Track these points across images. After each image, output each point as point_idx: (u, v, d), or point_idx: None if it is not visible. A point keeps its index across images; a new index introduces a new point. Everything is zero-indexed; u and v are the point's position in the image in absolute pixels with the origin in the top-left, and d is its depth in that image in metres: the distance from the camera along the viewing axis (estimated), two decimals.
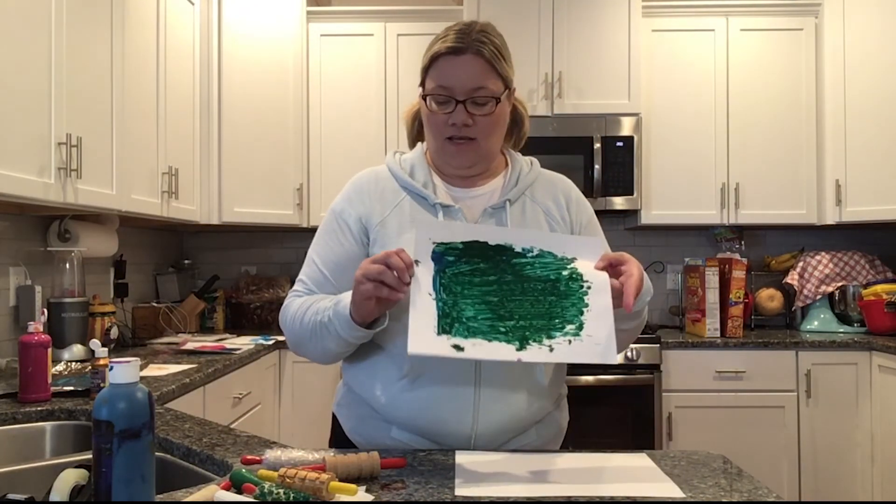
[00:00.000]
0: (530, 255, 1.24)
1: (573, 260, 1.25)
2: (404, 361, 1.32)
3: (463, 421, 1.32)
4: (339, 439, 1.46)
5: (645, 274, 1.30)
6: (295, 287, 1.44)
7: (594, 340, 1.17)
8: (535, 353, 1.16)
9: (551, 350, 1.16)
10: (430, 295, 1.17)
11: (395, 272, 1.15)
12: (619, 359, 3.19)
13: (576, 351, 1.16)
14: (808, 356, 3.25)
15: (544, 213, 1.44)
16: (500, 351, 1.14)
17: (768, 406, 3.24)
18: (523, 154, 1.54)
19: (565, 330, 1.18)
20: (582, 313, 1.20)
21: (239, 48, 3.44)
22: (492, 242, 1.24)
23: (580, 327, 1.18)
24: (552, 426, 1.45)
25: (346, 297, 1.26)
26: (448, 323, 1.15)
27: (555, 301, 1.20)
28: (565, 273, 1.24)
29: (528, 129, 1.53)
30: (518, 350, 1.15)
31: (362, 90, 3.68)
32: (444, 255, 1.21)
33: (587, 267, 1.25)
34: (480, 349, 1.14)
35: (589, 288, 1.22)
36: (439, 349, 1.12)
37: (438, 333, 1.13)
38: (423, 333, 1.13)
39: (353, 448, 1.37)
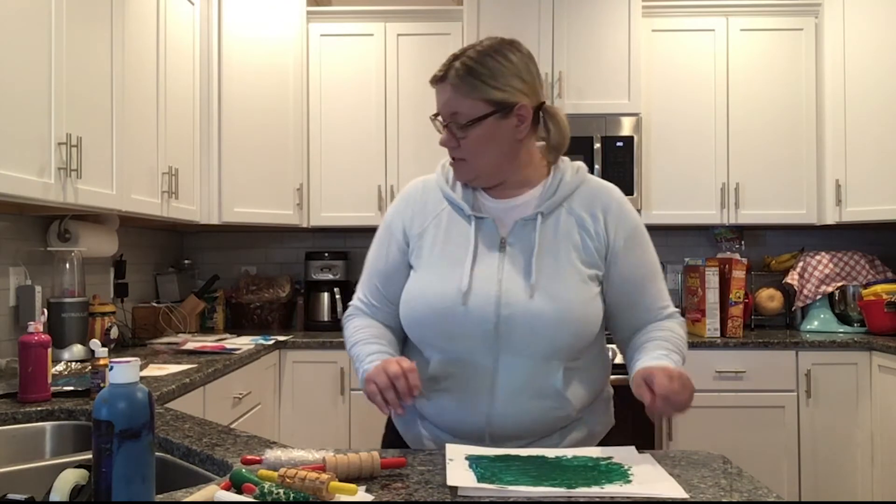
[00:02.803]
0: (564, 458, 1.24)
1: (609, 458, 1.24)
2: (428, 365, 1.41)
3: (476, 424, 1.37)
4: (390, 436, 1.55)
5: (674, 357, 1.35)
6: (357, 296, 1.55)
7: (647, 483, 1.12)
8: (586, 490, 1.09)
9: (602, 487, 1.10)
10: (467, 464, 1.18)
11: (398, 393, 1.27)
12: (618, 359, 3.21)
13: (628, 489, 1.09)
14: (808, 356, 3.24)
15: (578, 226, 1.41)
16: (548, 490, 1.08)
17: (768, 406, 3.24)
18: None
19: (613, 484, 1.13)
20: (627, 476, 1.15)
21: (239, 48, 3.43)
22: (523, 454, 1.25)
23: (628, 482, 1.12)
24: (581, 431, 1.43)
25: (369, 361, 1.37)
26: (490, 482, 1.11)
27: (597, 474, 1.15)
28: (603, 462, 1.22)
29: (562, 137, 1.44)
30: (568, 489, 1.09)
31: (362, 90, 3.68)
32: (479, 458, 1.22)
33: (624, 458, 1.23)
34: (526, 489, 1.08)
35: (630, 468, 1.18)
36: (481, 485, 1.09)
37: (479, 482, 1.10)
38: (462, 477, 1.12)
39: (403, 445, 1.48)
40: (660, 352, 1.36)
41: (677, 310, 1.49)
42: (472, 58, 1.36)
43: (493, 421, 1.36)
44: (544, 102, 1.43)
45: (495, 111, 1.36)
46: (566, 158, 1.49)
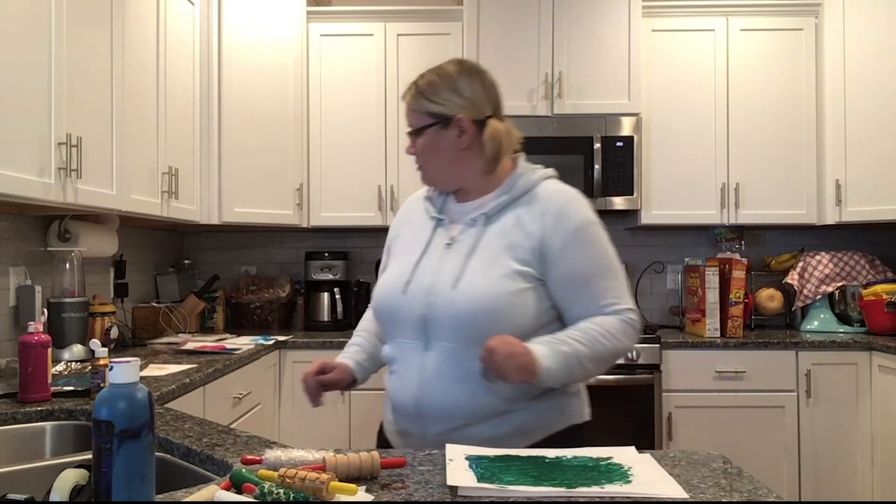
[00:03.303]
0: (564, 458, 1.24)
1: (609, 458, 1.24)
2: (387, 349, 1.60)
3: (409, 405, 1.49)
4: (381, 433, 1.65)
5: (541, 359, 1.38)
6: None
7: (646, 483, 1.11)
8: (586, 490, 1.09)
9: (602, 487, 1.10)
10: (467, 464, 1.18)
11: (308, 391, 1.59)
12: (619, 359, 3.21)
13: (628, 489, 1.09)
14: (808, 356, 3.25)
15: (518, 226, 1.50)
16: (548, 490, 1.09)
17: (768, 406, 3.24)
18: (530, 156, 1.61)
19: (613, 484, 1.13)
20: (627, 476, 1.14)
21: (239, 48, 3.43)
22: (523, 454, 1.26)
23: (628, 482, 1.12)
24: (509, 424, 1.46)
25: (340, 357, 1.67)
26: (490, 482, 1.11)
27: (597, 474, 1.15)
28: (603, 462, 1.22)
29: (494, 150, 1.54)
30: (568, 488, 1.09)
31: (362, 90, 3.68)
32: (479, 458, 1.23)
33: (624, 458, 1.24)
34: (526, 489, 1.08)
35: (630, 468, 1.18)
36: (481, 485, 1.09)
37: (479, 481, 1.11)
38: (462, 477, 1.12)
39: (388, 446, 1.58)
40: (550, 337, 1.43)
41: (631, 308, 1.50)
42: (424, 78, 1.56)
43: (422, 402, 1.46)
44: (490, 117, 1.54)
45: (435, 122, 1.53)
46: (534, 167, 1.59)
